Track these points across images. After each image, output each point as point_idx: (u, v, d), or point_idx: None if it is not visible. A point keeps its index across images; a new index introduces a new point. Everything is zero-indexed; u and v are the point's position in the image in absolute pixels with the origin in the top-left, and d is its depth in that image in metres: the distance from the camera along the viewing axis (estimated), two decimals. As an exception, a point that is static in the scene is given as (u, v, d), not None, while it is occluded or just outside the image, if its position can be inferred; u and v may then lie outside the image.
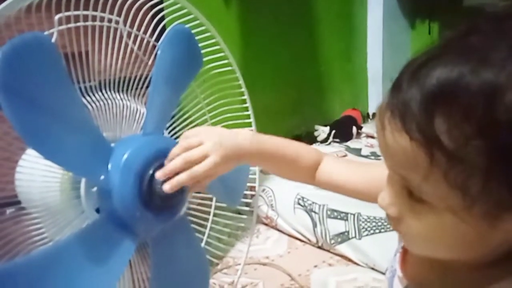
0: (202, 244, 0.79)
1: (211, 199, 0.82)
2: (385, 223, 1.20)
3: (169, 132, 0.72)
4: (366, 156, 1.69)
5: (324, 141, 1.84)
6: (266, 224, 1.42)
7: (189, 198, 0.64)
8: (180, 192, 0.54)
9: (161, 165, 0.54)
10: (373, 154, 1.71)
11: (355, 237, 1.21)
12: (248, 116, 0.85)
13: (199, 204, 0.81)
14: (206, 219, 0.82)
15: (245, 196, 0.84)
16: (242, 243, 1.31)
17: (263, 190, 1.43)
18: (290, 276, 1.14)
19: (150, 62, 0.64)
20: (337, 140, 1.84)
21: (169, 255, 0.67)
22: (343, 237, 1.23)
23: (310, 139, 1.86)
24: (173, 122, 0.73)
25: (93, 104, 0.58)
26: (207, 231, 0.81)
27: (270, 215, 1.39)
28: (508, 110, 0.30)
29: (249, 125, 0.85)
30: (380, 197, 0.40)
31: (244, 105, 0.84)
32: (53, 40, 0.51)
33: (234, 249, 1.22)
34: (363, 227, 1.21)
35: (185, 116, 0.75)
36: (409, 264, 0.47)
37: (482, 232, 0.34)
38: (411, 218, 0.37)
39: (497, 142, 0.30)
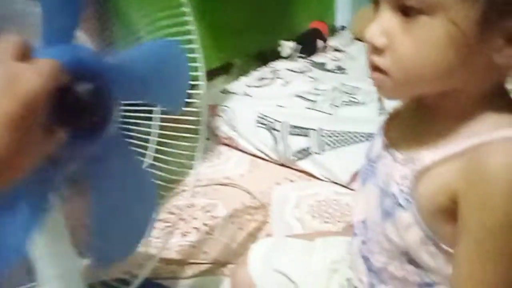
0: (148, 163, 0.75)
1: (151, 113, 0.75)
2: (347, 137, 1.18)
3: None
4: (331, 70, 1.63)
5: (289, 57, 1.76)
6: (227, 145, 1.39)
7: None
8: (98, 105, 0.47)
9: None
10: (338, 68, 1.65)
11: (317, 152, 1.19)
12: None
13: (140, 121, 0.74)
14: (148, 139, 0.77)
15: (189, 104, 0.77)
16: (201, 165, 1.28)
17: (223, 110, 1.37)
18: (250, 194, 1.13)
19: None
20: (303, 55, 1.76)
21: (108, 184, 0.61)
22: (305, 153, 1.21)
23: (275, 55, 1.78)
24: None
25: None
26: (151, 152, 0.77)
27: (231, 135, 1.35)
28: None
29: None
30: (368, 30, 0.39)
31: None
32: None
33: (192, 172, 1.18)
34: (325, 142, 1.18)
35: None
36: (392, 127, 0.48)
37: (471, 46, 0.35)
38: (402, 38, 0.37)
39: None
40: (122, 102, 0.70)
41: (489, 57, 0.36)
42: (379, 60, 0.39)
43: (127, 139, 0.70)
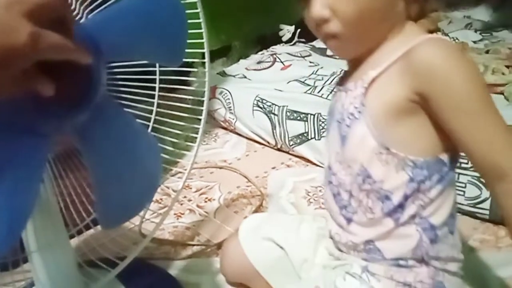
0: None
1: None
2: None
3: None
4: (331, 56, 1.61)
5: (289, 41, 1.74)
6: (224, 128, 1.37)
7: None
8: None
9: None
10: (339, 53, 1.63)
11: (315, 137, 1.18)
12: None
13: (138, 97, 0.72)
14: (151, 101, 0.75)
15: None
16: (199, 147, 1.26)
17: (221, 92, 1.35)
18: (247, 178, 1.12)
19: None
20: (303, 40, 1.73)
21: (104, 148, 0.58)
22: (303, 138, 1.19)
23: (275, 39, 1.75)
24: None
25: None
26: (153, 116, 0.75)
27: (229, 118, 1.33)
28: None
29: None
30: (312, 9, 0.49)
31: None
32: None
33: (190, 153, 1.17)
34: (323, 128, 1.17)
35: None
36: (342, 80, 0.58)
37: None
38: (344, 3, 0.47)
39: None
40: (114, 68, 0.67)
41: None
42: (329, 27, 0.49)
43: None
